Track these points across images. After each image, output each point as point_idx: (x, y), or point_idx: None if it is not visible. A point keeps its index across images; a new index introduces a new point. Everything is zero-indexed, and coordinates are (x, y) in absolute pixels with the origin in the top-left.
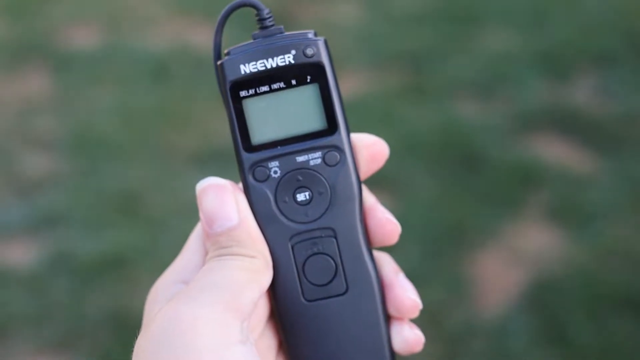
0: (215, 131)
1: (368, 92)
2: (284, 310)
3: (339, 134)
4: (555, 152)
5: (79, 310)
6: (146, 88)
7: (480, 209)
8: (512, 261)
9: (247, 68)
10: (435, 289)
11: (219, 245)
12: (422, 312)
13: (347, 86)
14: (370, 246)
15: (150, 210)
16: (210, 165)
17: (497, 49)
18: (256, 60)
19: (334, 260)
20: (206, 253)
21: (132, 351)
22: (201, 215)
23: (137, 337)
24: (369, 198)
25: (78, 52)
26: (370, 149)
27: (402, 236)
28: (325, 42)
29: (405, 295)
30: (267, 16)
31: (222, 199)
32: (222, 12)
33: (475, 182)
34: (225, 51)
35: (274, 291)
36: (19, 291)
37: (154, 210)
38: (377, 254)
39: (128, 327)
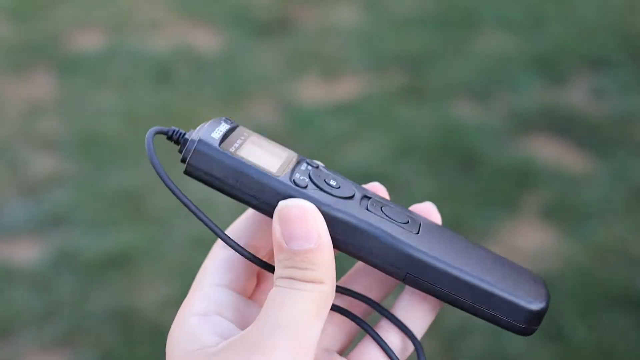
0: None
1: (367, 94)
2: None
3: None
4: (551, 153)
5: (83, 309)
6: (149, 90)
7: (477, 209)
8: None
9: (216, 134)
10: None
11: (292, 263)
12: None
13: (345, 88)
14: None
15: (154, 210)
16: None
17: (494, 52)
18: (213, 130)
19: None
20: (228, 284)
21: (136, 349)
22: (279, 229)
23: (141, 337)
24: None
25: (82, 55)
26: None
27: None
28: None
29: None
30: (173, 133)
31: (306, 220)
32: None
33: (473, 182)
34: (181, 158)
35: None
36: (23, 289)
37: (157, 210)
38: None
39: (132, 325)
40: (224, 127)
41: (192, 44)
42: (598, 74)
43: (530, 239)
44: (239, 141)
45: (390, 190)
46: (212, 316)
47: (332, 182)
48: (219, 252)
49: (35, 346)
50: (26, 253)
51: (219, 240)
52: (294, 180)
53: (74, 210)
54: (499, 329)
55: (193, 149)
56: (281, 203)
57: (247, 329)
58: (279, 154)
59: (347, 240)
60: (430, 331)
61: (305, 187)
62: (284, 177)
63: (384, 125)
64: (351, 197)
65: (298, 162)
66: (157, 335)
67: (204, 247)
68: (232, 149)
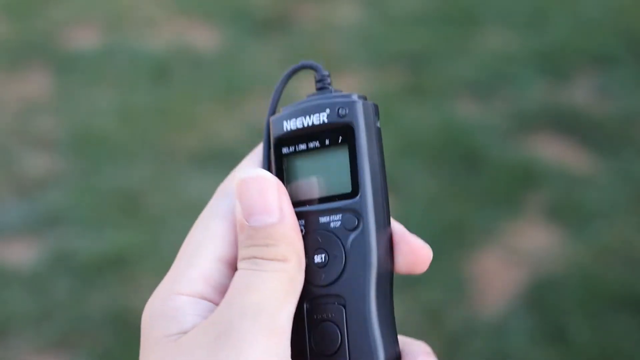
0: (216, 131)
1: (368, 92)
2: None
3: (361, 198)
4: (555, 152)
5: (80, 310)
6: (146, 88)
7: (479, 209)
8: (511, 260)
9: (289, 125)
10: (435, 288)
11: (253, 242)
12: (422, 311)
13: (347, 86)
14: (389, 317)
15: (151, 210)
16: (210, 165)
17: (496, 49)
18: (296, 118)
19: (340, 331)
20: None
21: (132, 350)
22: (238, 205)
23: (137, 339)
24: (399, 226)
25: (79, 53)
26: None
27: None
28: (364, 104)
29: None
30: (322, 78)
31: (266, 193)
32: (284, 74)
33: (475, 181)
34: (281, 108)
35: None
36: (19, 291)
37: (154, 210)
38: (414, 342)
39: (128, 326)
40: (321, 117)
41: (190, 41)
42: (602, 72)
43: (533, 239)
44: (308, 144)
45: (391, 190)
46: (201, 301)
47: (317, 260)
48: (214, 225)
49: (30, 348)
50: (21, 254)
51: (209, 211)
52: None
53: (69, 210)
54: (502, 329)
55: (273, 118)
56: (238, 175)
57: (213, 314)
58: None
59: None
60: (433, 332)
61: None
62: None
63: (385, 124)
64: None
65: (320, 213)
66: None
67: None
68: (285, 149)
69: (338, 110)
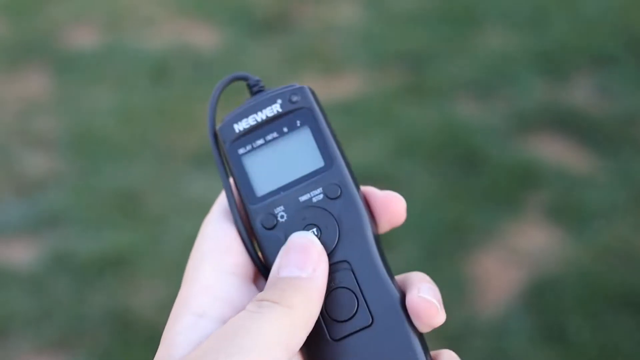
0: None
1: (367, 92)
2: (313, 354)
3: (337, 167)
4: (554, 152)
5: (79, 310)
6: (146, 88)
7: (479, 209)
8: (511, 261)
9: (240, 126)
10: None
11: (273, 287)
12: None
13: (346, 86)
14: (390, 270)
15: (150, 210)
16: (210, 165)
17: (496, 49)
18: (247, 117)
19: (354, 293)
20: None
21: (132, 351)
22: (279, 260)
23: (137, 339)
24: (369, 188)
25: (78, 52)
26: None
27: (401, 235)
28: (310, 89)
29: (417, 295)
30: (255, 83)
31: (307, 253)
32: (215, 88)
33: (474, 181)
34: (223, 118)
35: None
36: (18, 291)
37: (153, 210)
38: (411, 273)
39: (128, 326)
40: (274, 108)
41: (189, 41)
42: (602, 72)
43: (533, 239)
44: (265, 138)
45: (391, 189)
46: (207, 317)
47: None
48: (212, 232)
49: (30, 348)
50: (21, 254)
51: (210, 219)
52: (262, 220)
53: (69, 210)
54: (502, 330)
55: (219, 128)
56: (293, 236)
57: (203, 344)
58: (295, 167)
59: None
60: (433, 331)
61: (273, 227)
62: (254, 209)
63: (385, 123)
64: None
65: (298, 193)
66: (154, 337)
67: None
68: (242, 150)
69: (289, 98)
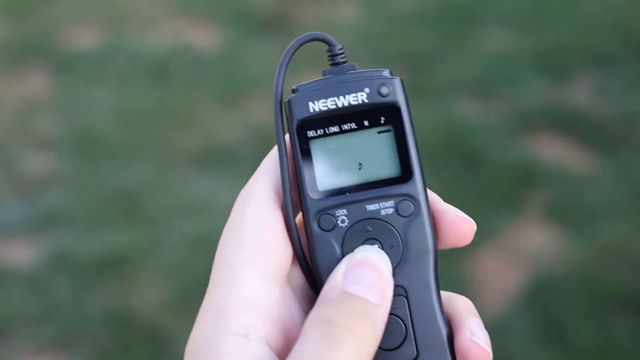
0: (216, 131)
1: None
2: None
3: (414, 182)
4: (555, 152)
5: (79, 310)
6: (146, 88)
7: (479, 209)
8: (511, 261)
9: (317, 106)
10: None
11: (341, 305)
12: None
13: None
14: (440, 299)
15: (150, 210)
16: (210, 165)
17: (496, 49)
18: (326, 98)
19: (404, 323)
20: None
21: (132, 351)
22: (344, 268)
23: (137, 339)
24: (436, 199)
25: (78, 52)
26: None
27: None
28: (402, 82)
29: (469, 339)
30: (339, 52)
31: (379, 275)
32: (290, 45)
33: (475, 181)
34: (293, 87)
35: None
36: (18, 291)
37: (153, 210)
38: (456, 297)
39: (128, 327)
40: (360, 96)
41: (189, 41)
42: (602, 71)
43: (533, 239)
44: (341, 126)
45: None
46: (252, 338)
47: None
48: (255, 219)
49: (30, 348)
50: (21, 254)
51: (253, 198)
52: (319, 218)
53: (69, 210)
54: (502, 330)
55: (288, 100)
56: (362, 249)
57: None
58: (355, 167)
59: None
60: None
61: (330, 230)
62: (313, 203)
63: None
64: None
65: (366, 200)
66: (154, 337)
67: (202, 248)
68: (312, 133)
69: (379, 89)
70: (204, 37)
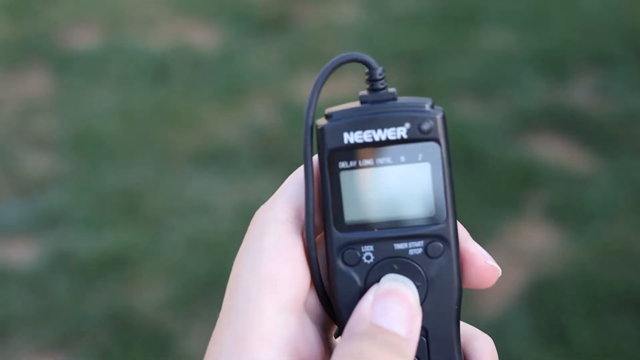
0: (216, 131)
1: None
2: None
3: (447, 223)
4: (555, 152)
5: (79, 310)
6: (146, 88)
7: (479, 209)
8: (511, 261)
9: (352, 137)
10: None
11: (372, 341)
12: None
13: (346, 87)
14: (461, 347)
15: (151, 210)
16: (210, 165)
17: (496, 49)
18: (363, 130)
19: None
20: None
21: (132, 351)
22: (371, 300)
23: (137, 339)
24: (466, 239)
25: (78, 52)
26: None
27: None
28: (444, 116)
29: None
30: (380, 77)
31: (408, 308)
32: (327, 65)
33: (475, 181)
34: (326, 112)
35: None
36: (19, 290)
37: (154, 210)
38: (478, 336)
39: (128, 327)
40: (399, 131)
41: (189, 41)
42: (602, 71)
43: (533, 239)
44: (376, 160)
45: None
46: None
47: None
48: (275, 248)
49: (30, 348)
50: (21, 253)
51: (271, 225)
52: (343, 252)
53: (69, 210)
54: (502, 330)
55: (324, 127)
56: (389, 277)
57: None
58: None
59: None
60: None
61: (354, 265)
62: (338, 236)
63: None
64: None
65: (395, 239)
66: (154, 337)
67: (202, 248)
68: (344, 164)
69: (420, 125)
70: (204, 38)
